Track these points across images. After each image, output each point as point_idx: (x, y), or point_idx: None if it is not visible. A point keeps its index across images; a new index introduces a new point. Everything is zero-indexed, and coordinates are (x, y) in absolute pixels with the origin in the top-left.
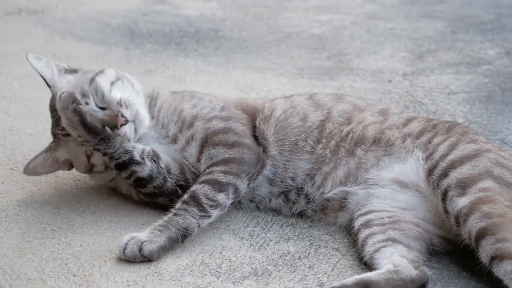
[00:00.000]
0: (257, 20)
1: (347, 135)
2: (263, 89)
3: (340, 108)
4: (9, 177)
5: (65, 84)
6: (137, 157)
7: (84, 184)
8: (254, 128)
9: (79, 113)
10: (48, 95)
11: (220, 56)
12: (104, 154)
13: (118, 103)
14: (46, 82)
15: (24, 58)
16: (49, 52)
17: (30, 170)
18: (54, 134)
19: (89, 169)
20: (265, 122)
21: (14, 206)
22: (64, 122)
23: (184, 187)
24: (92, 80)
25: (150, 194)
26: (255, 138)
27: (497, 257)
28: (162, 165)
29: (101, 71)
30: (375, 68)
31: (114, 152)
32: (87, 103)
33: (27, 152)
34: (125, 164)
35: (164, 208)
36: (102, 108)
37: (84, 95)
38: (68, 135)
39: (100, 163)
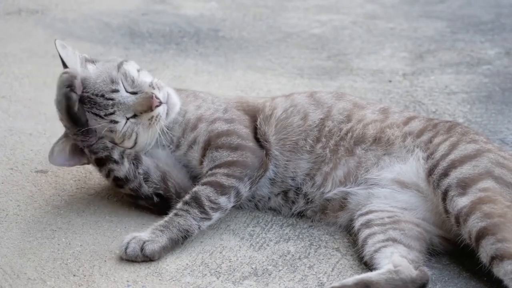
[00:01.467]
0: (257, 20)
1: (346, 134)
2: (263, 89)
3: (340, 106)
4: (9, 177)
5: (90, 71)
6: (115, 155)
7: (84, 184)
8: (255, 128)
9: (68, 99)
10: (48, 95)
11: (220, 56)
12: (84, 147)
13: (150, 85)
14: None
15: (24, 58)
16: (49, 52)
17: (55, 156)
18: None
19: None
20: (266, 122)
21: (14, 206)
22: (55, 100)
23: (161, 196)
24: (119, 66)
25: (129, 195)
26: (257, 140)
27: (497, 257)
28: (140, 170)
29: (125, 60)
30: (375, 68)
31: (92, 145)
32: (117, 90)
33: (27, 152)
34: (103, 161)
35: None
36: (134, 93)
37: (113, 81)
38: (109, 114)
39: (131, 143)
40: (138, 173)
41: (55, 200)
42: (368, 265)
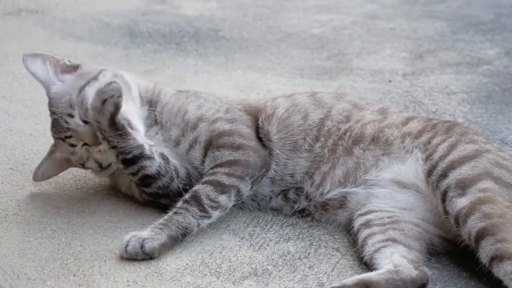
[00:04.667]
0: (257, 20)
1: (345, 133)
2: (263, 89)
3: (340, 106)
4: (9, 177)
5: (60, 88)
6: (147, 151)
7: (84, 184)
8: (257, 128)
9: (117, 108)
10: None
11: (220, 56)
12: (113, 147)
13: None
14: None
15: None
16: (49, 52)
17: (39, 177)
18: (53, 136)
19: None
20: (268, 121)
21: (14, 206)
22: (94, 105)
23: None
24: (80, 90)
25: (154, 194)
26: (259, 139)
27: (497, 258)
28: (171, 166)
29: (95, 77)
30: (375, 68)
31: (127, 146)
32: (72, 115)
33: (27, 152)
34: (135, 159)
35: (163, 208)
36: (85, 122)
37: (71, 105)
38: (68, 137)
39: (95, 166)
40: (169, 167)
41: (55, 200)
42: (368, 265)
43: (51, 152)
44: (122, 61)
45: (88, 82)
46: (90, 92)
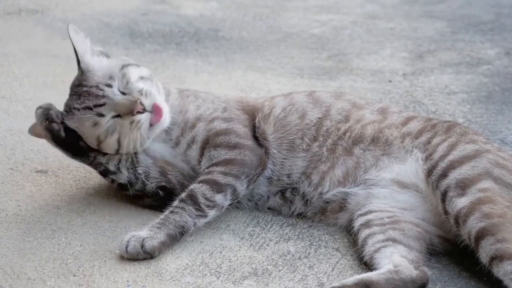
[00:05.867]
0: (257, 20)
1: (344, 133)
2: (263, 89)
3: (339, 106)
4: (9, 177)
5: (97, 63)
6: (111, 168)
7: (84, 184)
8: (254, 128)
9: (51, 131)
10: (48, 95)
11: (220, 56)
12: (83, 163)
13: (139, 91)
14: (77, 56)
15: (24, 58)
16: (49, 52)
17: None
18: (69, 108)
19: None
20: (264, 120)
21: (14, 206)
22: (47, 141)
23: (166, 189)
24: (123, 66)
25: (135, 196)
26: (256, 139)
27: (497, 258)
28: (139, 170)
29: (137, 64)
30: (375, 68)
31: (91, 163)
32: (110, 85)
33: (27, 152)
34: (104, 173)
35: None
36: (123, 93)
37: (110, 77)
38: (98, 105)
39: (113, 145)
40: (139, 173)
41: (55, 200)
42: (368, 265)
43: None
44: None
45: (130, 64)
46: (132, 71)
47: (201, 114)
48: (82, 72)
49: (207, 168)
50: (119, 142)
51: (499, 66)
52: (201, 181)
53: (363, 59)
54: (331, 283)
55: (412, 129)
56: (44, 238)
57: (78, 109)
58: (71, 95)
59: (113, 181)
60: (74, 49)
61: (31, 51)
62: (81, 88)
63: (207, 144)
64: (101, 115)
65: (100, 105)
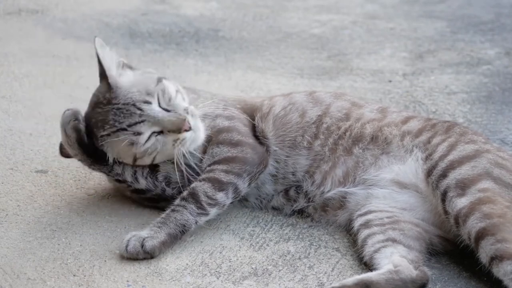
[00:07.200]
0: (257, 20)
1: (345, 133)
2: (263, 89)
3: (339, 104)
4: (9, 177)
5: (125, 78)
6: (128, 178)
7: (84, 184)
8: (253, 126)
9: (78, 131)
10: (48, 95)
11: (220, 56)
12: (100, 172)
13: (185, 109)
14: (103, 70)
15: (24, 58)
16: (49, 52)
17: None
18: (106, 130)
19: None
20: (263, 119)
21: (14, 206)
22: (62, 139)
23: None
24: (159, 81)
25: (151, 199)
26: (256, 137)
27: (496, 258)
28: (160, 178)
29: (165, 77)
30: (375, 68)
31: (109, 173)
32: (149, 102)
33: (27, 152)
34: (120, 181)
35: (163, 209)
36: (166, 110)
37: (148, 93)
38: (134, 124)
39: (150, 161)
40: (159, 181)
41: (55, 200)
42: (368, 265)
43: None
44: None
45: (161, 78)
46: (168, 85)
47: (204, 111)
48: (110, 89)
49: (209, 166)
50: (155, 157)
51: (499, 66)
52: (203, 179)
53: (363, 59)
54: (331, 283)
55: (412, 128)
56: (44, 238)
57: (109, 134)
58: (97, 112)
59: (129, 186)
60: (100, 63)
61: (31, 51)
62: (111, 107)
63: (209, 141)
64: (139, 133)
65: (137, 123)
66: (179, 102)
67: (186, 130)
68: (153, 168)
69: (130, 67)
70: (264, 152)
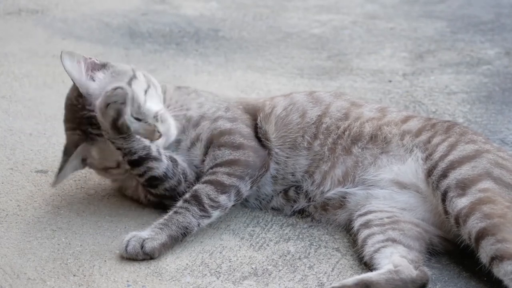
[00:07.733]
0: (257, 20)
1: (344, 132)
2: (263, 89)
3: (338, 104)
4: (9, 177)
5: (95, 85)
6: (154, 152)
7: (84, 184)
8: (255, 128)
9: (120, 115)
10: (48, 95)
11: (220, 56)
12: (119, 149)
13: (154, 116)
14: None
15: (24, 58)
16: (49, 52)
17: (59, 182)
18: (87, 133)
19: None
20: (266, 120)
21: (14, 206)
22: (99, 106)
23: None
24: (129, 85)
25: (160, 195)
26: (258, 139)
27: (497, 258)
28: (179, 169)
29: (134, 76)
30: (375, 68)
31: (132, 147)
32: None
33: (27, 152)
34: (141, 160)
35: (164, 208)
36: (137, 119)
37: None
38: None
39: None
40: (177, 170)
41: (55, 200)
42: (368, 265)
43: (72, 153)
44: (122, 61)
45: (130, 80)
46: (137, 90)
47: (205, 112)
48: (87, 98)
49: (211, 168)
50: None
51: (499, 66)
52: (205, 182)
53: (363, 59)
54: (331, 283)
55: (412, 127)
56: (44, 238)
57: (95, 134)
58: (70, 113)
59: (145, 172)
60: (71, 78)
61: (31, 51)
62: (86, 113)
63: (211, 143)
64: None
65: None
66: (148, 108)
67: (157, 139)
68: (173, 157)
69: (103, 65)
70: (266, 155)
